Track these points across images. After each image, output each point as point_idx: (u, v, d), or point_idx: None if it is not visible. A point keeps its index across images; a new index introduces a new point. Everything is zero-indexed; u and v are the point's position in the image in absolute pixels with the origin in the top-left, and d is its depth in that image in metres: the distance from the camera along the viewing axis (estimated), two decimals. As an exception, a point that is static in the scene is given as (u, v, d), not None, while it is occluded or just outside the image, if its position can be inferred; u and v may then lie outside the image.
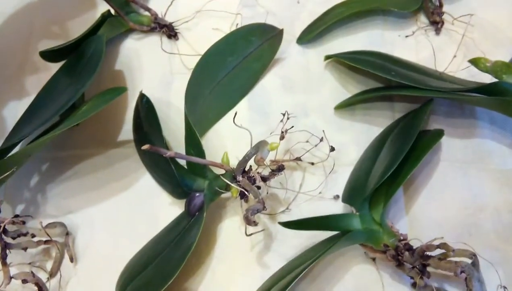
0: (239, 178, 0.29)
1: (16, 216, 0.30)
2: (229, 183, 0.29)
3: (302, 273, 0.26)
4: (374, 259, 0.30)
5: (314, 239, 0.31)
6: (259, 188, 0.29)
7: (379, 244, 0.28)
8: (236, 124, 0.30)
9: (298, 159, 0.33)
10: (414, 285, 0.28)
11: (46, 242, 0.30)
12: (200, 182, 0.31)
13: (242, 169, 0.29)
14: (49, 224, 0.31)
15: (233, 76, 0.37)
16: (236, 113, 0.31)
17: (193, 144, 0.31)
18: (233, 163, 0.31)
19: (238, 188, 0.28)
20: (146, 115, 0.34)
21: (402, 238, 0.28)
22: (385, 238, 0.28)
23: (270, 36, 0.38)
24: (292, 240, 0.31)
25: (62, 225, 0.31)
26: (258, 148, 0.27)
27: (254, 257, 0.31)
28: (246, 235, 0.28)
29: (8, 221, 0.28)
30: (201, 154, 0.30)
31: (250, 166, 0.30)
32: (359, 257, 0.30)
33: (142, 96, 0.34)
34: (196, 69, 0.36)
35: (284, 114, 0.31)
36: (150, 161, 0.33)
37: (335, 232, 0.30)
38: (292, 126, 0.33)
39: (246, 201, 0.29)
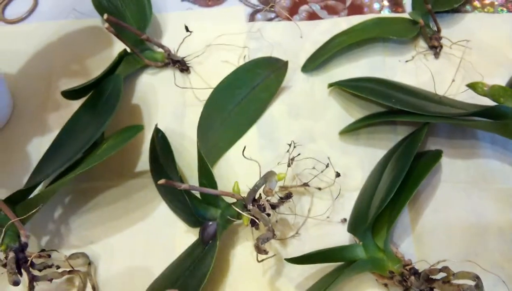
0: (250, 206, 0.30)
1: (43, 250, 0.32)
2: (240, 211, 0.30)
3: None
4: (386, 285, 0.30)
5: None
6: (269, 215, 0.30)
7: (385, 271, 0.29)
8: (245, 157, 0.32)
9: (306, 184, 0.34)
10: (422, 306, 0.29)
11: (70, 272, 0.31)
12: (213, 211, 0.32)
13: (252, 198, 0.30)
14: (72, 254, 0.32)
15: (242, 107, 0.39)
16: (245, 147, 0.32)
17: (206, 175, 0.33)
18: (244, 189, 0.32)
19: (249, 216, 0.30)
20: (162, 149, 0.35)
21: (406, 263, 0.29)
22: (390, 265, 0.29)
23: (276, 68, 0.41)
24: (303, 264, 0.32)
25: (84, 255, 0.33)
26: (266, 178, 0.29)
27: (266, 282, 0.32)
28: (258, 261, 0.30)
29: (35, 255, 0.30)
30: (213, 184, 0.32)
31: (260, 194, 0.31)
32: (367, 281, 0.31)
33: (158, 131, 0.36)
34: (208, 103, 0.38)
35: (290, 145, 0.32)
36: (166, 191, 0.35)
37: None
38: (299, 154, 0.35)
39: (257, 228, 0.31)
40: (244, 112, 0.39)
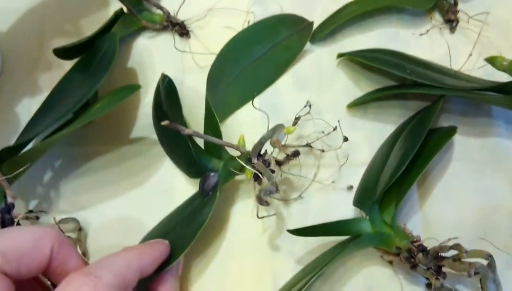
0: (254, 160, 0.29)
1: (30, 211, 0.31)
2: (244, 164, 0.29)
3: (313, 280, 0.26)
4: (391, 262, 0.29)
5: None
6: (273, 171, 0.29)
7: (392, 246, 0.28)
8: (254, 107, 0.31)
9: (309, 145, 0.33)
10: (428, 285, 0.27)
11: (59, 237, 0.30)
12: (216, 162, 0.31)
13: (258, 152, 0.29)
14: (62, 219, 0.31)
15: (259, 65, 0.37)
16: (255, 95, 0.31)
17: (211, 125, 0.31)
18: (249, 148, 0.31)
19: (253, 170, 0.28)
20: (167, 96, 0.33)
21: (415, 239, 0.28)
22: (397, 241, 0.28)
23: (299, 28, 0.38)
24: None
25: (75, 220, 0.31)
26: (275, 131, 0.27)
27: (265, 239, 0.32)
28: (258, 217, 0.29)
29: (22, 216, 0.28)
30: (219, 136, 0.31)
31: (266, 150, 0.30)
32: (371, 258, 0.30)
33: (164, 77, 0.34)
34: (222, 53, 0.36)
35: (305, 105, 0.31)
36: (168, 139, 0.33)
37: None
38: (308, 113, 0.33)
39: (260, 183, 0.29)
40: (260, 71, 0.37)
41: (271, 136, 0.27)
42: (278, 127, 0.27)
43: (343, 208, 0.32)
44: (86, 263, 0.24)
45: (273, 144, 0.27)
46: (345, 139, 0.32)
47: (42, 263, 0.22)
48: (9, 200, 0.29)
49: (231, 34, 0.39)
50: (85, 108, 0.32)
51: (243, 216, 0.32)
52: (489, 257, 0.24)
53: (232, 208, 0.33)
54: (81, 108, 0.32)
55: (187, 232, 0.27)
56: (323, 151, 0.33)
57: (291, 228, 0.29)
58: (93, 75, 0.33)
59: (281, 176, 0.32)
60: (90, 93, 0.31)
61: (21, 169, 0.28)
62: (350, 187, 0.32)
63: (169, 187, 0.34)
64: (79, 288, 0.20)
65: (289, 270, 0.30)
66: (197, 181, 0.32)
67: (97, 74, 0.32)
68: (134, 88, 0.31)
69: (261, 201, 0.27)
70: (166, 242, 0.26)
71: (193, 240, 0.26)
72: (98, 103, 0.31)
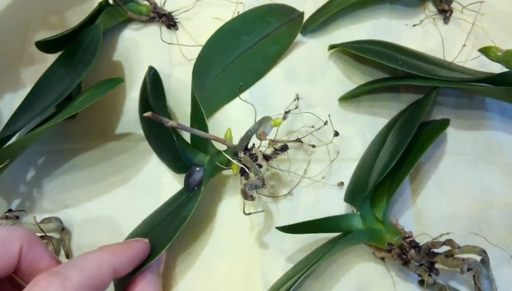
0: (241, 154, 0.28)
1: (10, 210, 0.30)
2: (231, 158, 0.28)
3: (303, 277, 0.25)
4: (383, 259, 0.29)
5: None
6: (260, 166, 0.28)
7: (383, 243, 0.27)
8: (241, 99, 0.30)
9: (299, 140, 0.32)
10: (421, 282, 0.27)
11: (41, 237, 0.29)
12: (201, 157, 0.30)
13: (245, 146, 0.28)
14: (45, 219, 0.30)
15: (247, 57, 0.36)
16: (240, 85, 0.30)
17: (197, 118, 0.30)
18: (237, 142, 0.30)
19: (239, 164, 0.28)
20: (152, 88, 0.33)
21: (407, 235, 0.27)
22: (389, 237, 0.27)
23: (289, 19, 0.37)
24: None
25: (57, 220, 0.30)
26: (262, 123, 0.27)
27: (254, 236, 0.31)
28: (244, 213, 0.28)
29: (1, 216, 0.27)
30: (205, 129, 0.30)
31: (253, 144, 0.29)
32: (363, 255, 0.30)
33: (151, 69, 0.34)
34: (208, 44, 0.35)
35: (295, 99, 0.30)
36: (154, 133, 0.32)
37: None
38: (297, 107, 0.32)
39: (247, 178, 0.28)
40: (250, 63, 0.36)
41: (258, 129, 0.26)
42: (265, 120, 0.26)
43: (333, 204, 0.31)
44: (59, 263, 0.23)
45: (259, 137, 0.27)
46: (336, 134, 0.31)
47: (11, 263, 0.21)
48: (-12, 198, 0.28)
49: (219, 25, 0.37)
50: (68, 102, 0.31)
51: (231, 212, 0.32)
52: (482, 252, 0.24)
53: (220, 203, 0.32)
54: (64, 102, 0.31)
55: (170, 228, 0.26)
56: (313, 146, 0.33)
57: (281, 225, 0.28)
58: (76, 68, 0.32)
59: (268, 170, 0.32)
60: (72, 86, 0.30)
61: (1, 165, 0.27)
62: (341, 183, 0.32)
63: (156, 184, 0.33)
64: (46, 288, 0.19)
65: (279, 268, 0.30)
66: (184, 176, 0.31)
67: (80, 67, 0.31)
68: (117, 81, 0.30)
69: (246, 195, 0.26)
70: (146, 240, 0.25)
71: (175, 236, 0.25)
72: (80, 97, 0.30)
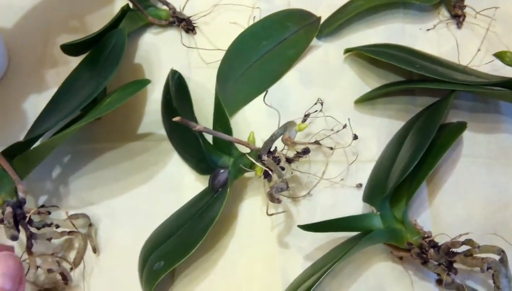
0: (264, 157, 0.29)
1: (42, 206, 0.30)
2: (254, 161, 0.29)
3: (324, 276, 0.26)
4: (401, 258, 0.29)
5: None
6: (283, 169, 0.29)
7: (403, 242, 0.28)
8: (266, 103, 0.30)
9: (317, 142, 0.33)
10: (439, 281, 0.27)
11: (70, 232, 0.30)
12: (226, 159, 0.31)
13: (268, 149, 0.29)
14: (72, 215, 0.31)
15: (265, 61, 0.37)
16: (266, 92, 0.31)
17: (221, 122, 0.31)
18: (259, 145, 0.31)
19: (263, 167, 0.28)
20: (177, 91, 0.33)
21: (426, 235, 0.28)
22: (408, 236, 0.28)
23: (307, 23, 0.38)
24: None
25: (85, 216, 0.31)
26: (286, 127, 0.27)
27: (274, 236, 0.32)
28: (267, 214, 0.28)
29: (34, 211, 0.28)
30: (228, 132, 0.31)
31: (276, 147, 0.30)
32: (380, 254, 0.30)
33: (174, 73, 0.34)
34: (230, 49, 0.36)
35: (316, 102, 0.31)
36: (177, 135, 0.33)
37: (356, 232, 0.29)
38: (316, 111, 0.33)
39: (270, 180, 0.29)
40: (268, 66, 0.37)
41: (282, 134, 0.27)
42: (289, 125, 0.27)
43: (351, 205, 0.32)
44: None
45: (285, 142, 0.27)
46: (355, 137, 0.32)
47: None
48: (21, 195, 0.29)
49: (236, 29, 0.38)
50: (93, 105, 0.32)
51: (252, 212, 0.32)
52: (501, 252, 0.24)
53: (241, 204, 0.33)
54: (89, 105, 0.32)
55: (197, 228, 0.27)
56: (332, 148, 0.33)
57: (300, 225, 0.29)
58: (101, 71, 0.33)
59: (291, 173, 0.32)
60: (98, 89, 0.31)
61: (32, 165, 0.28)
62: (359, 185, 0.32)
63: (177, 183, 0.34)
64: None
65: (298, 266, 0.30)
66: (205, 177, 0.32)
67: (105, 70, 0.32)
68: (144, 82, 0.30)
69: (272, 198, 0.27)
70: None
71: (205, 236, 0.26)
72: (108, 99, 0.31)
